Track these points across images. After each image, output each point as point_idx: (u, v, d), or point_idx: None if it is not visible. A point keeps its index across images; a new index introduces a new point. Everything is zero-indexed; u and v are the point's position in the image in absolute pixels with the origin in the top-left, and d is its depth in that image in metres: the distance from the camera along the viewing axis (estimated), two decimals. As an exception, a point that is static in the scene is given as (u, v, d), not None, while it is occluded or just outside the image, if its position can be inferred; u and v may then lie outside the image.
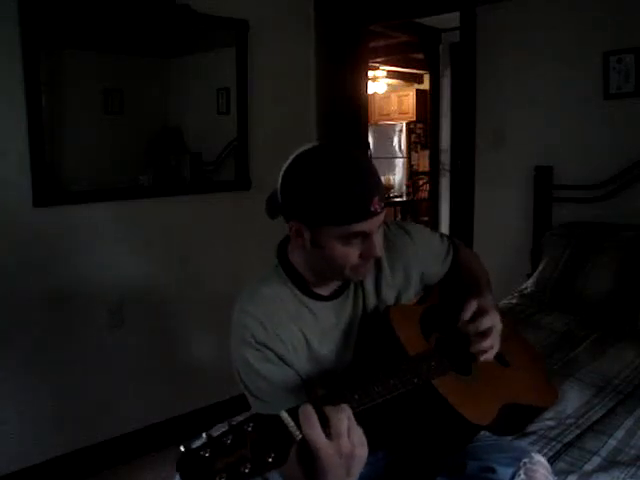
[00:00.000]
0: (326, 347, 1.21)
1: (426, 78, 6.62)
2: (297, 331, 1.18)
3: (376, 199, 1.07)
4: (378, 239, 1.12)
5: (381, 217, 1.11)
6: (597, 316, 2.27)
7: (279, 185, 1.13)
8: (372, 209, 1.06)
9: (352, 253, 1.11)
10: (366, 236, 1.10)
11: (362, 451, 0.81)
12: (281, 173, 1.13)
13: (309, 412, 0.78)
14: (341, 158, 1.09)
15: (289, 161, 1.12)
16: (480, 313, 1.16)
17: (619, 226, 2.50)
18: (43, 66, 2.16)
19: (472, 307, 1.16)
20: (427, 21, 4.65)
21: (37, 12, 2.11)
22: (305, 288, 1.20)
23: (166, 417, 2.59)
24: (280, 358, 1.15)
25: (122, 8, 2.40)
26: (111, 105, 2.64)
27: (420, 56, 5.91)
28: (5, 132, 2.14)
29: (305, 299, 1.20)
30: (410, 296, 1.33)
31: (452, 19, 3.42)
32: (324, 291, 1.22)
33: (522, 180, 2.87)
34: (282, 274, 1.21)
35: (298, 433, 0.78)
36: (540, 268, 2.60)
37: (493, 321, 1.16)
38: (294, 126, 3.04)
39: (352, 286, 1.25)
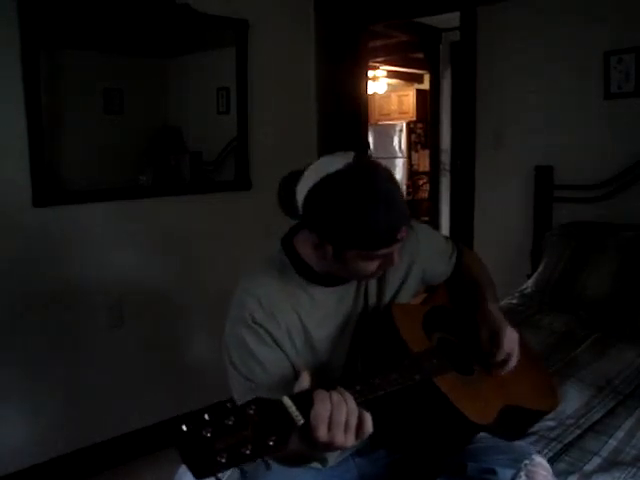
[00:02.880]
0: (322, 333, 1.22)
1: (426, 78, 6.62)
2: (294, 315, 1.19)
3: (404, 228, 1.10)
4: (398, 250, 1.15)
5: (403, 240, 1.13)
6: (597, 316, 2.26)
7: (302, 198, 1.11)
8: (399, 237, 1.10)
9: (373, 266, 1.14)
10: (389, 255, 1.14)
11: (352, 444, 0.88)
12: (306, 188, 1.10)
13: (325, 401, 0.85)
14: (371, 183, 1.08)
15: (315, 178, 1.09)
16: (503, 338, 1.23)
17: (619, 226, 2.50)
18: (43, 66, 2.16)
19: (490, 329, 1.26)
20: (427, 21, 4.65)
21: (37, 12, 2.11)
22: (307, 274, 1.21)
23: (166, 417, 2.59)
24: (274, 340, 1.15)
25: (122, 8, 2.39)
26: (111, 105, 2.64)
27: (420, 56, 5.91)
28: (5, 132, 2.14)
29: (305, 284, 1.21)
30: (410, 290, 1.35)
31: (452, 19, 3.42)
32: (327, 278, 1.23)
33: (522, 180, 2.87)
34: (284, 259, 1.21)
35: (300, 418, 0.81)
36: (540, 268, 2.60)
37: (513, 343, 1.24)
38: (294, 126, 3.04)
39: None
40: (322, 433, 0.84)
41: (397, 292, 1.31)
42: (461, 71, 3.48)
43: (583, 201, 2.65)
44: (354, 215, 1.06)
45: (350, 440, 0.87)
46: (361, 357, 1.24)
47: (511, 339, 1.24)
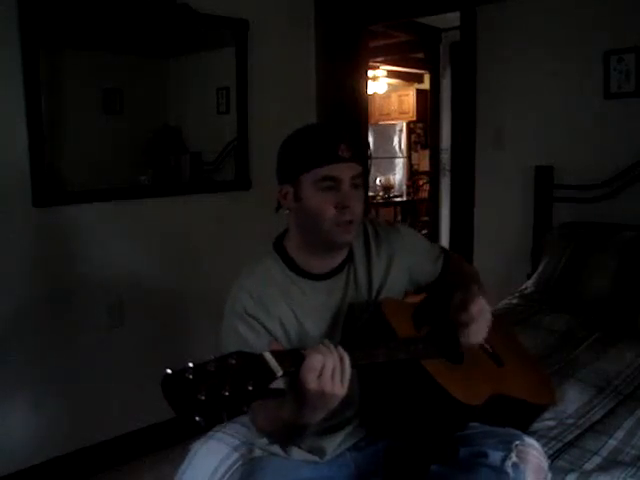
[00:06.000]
0: (314, 325, 1.27)
1: (426, 78, 6.61)
2: (287, 308, 1.25)
3: (343, 145, 1.19)
4: (352, 193, 1.21)
5: (352, 167, 1.21)
6: (597, 316, 2.26)
7: None
8: (339, 153, 1.19)
9: (327, 201, 1.20)
10: (338, 184, 1.20)
11: (340, 391, 0.96)
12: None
13: (318, 359, 0.92)
14: (314, 124, 1.30)
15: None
16: (467, 300, 1.21)
17: (619, 226, 2.50)
18: (43, 66, 2.16)
19: (459, 296, 1.23)
20: (427, 20, 4.64)
21: (37, 12, 2.11)
22: (296, 267, 1.28)
23: (166, 417, 2.59)
24: (266, 330, 1.21)
25: (122, 8, 2.40)
26: (111, 105, 2.64)
27: (420, 55, 5.90)
28: (5, 132, 2.14)
29: (294, 277, 1.28)
30: (398, 283, 1.38)
31: (452, 18, 3.42)
32: (319, 270, 1.29)
33: (522, 180, 2.87)
34: (275, 255, 1.30)
35: (279, 370, 0.87)
36: (540, 268, 2.60)
37: (482, 304, 1.22)
38: (294, 126, 3.02)
39: (346, 268, 1.32)
40: (312, 382, 0.92)
41: (384, 283, 1.34)
42: (461, 71, 3.48)
43: (583, 201, 2.65)
44: (294, 139, 1.26)
45: (338, 386, 0.95)
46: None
47: (480, 305, 1.21)
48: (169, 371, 0.80)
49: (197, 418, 0.79)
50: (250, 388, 0.82)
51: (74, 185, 2.37)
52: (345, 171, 1.20)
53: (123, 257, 2.47)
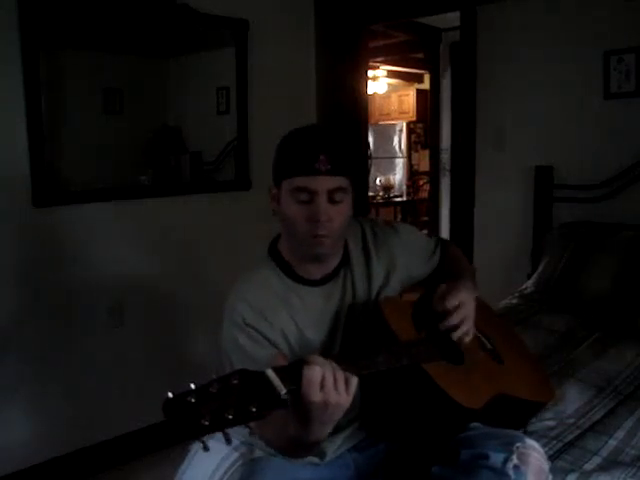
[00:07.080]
0: (315, 331, 1.26)
1: (426, 78, 6.61)
2: (286, 316, 1.24)
3: (322, 157, 1.15)
4: (328, 207, 1.17)
5: (331, 180, 1.17)
6: (598, 316, 2.26)
7: None
8: (316, 166, 1.15)
9: (300, 212, 1.18)
10: (312, 197, 1.17)
11: (346, 400, 0.94)
12: None
13: (316, 371, 0.89)
14: (307, 127, 1.27)
15: None
16: (449, 291, 1.21)
17: (620, 226, 2.50)
18: (43, 66, 2.16)
19: (442, 288, 1.23)
20: (427, 20, 4.64)
21: (36, 12, 2.11)
22: (292, 273, 1.27)
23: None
24: (267, 340, 1.20)
25: (122, 8, 2.40)
26: (111, 105, 2.64)
27: (420, 55, 5.90)
28: (5, 132, 2.14)
29: (292, 284, 1.26)
30: (397, 284, 1.37)
31: (452, 18, 3.42)
32: (314, 275, 1.27)
33: (522, 180, 2.87)
34: (271, 262, 1.28)
35: (282, 388, 0.85)
36: (540, 268, 2.60)
37: (461, 298, 1.21)
38: (294, 126, 3.03)
39: (342, 272, 1.31)
40: (315, 395, 0.90)
41: (385, 284, 1.34)
42: (461, 71, 3.48)
43: (583, 201, 2.65)
44: (284, 141, 1.24)
45: (343, 396, 0.93)
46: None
47: (464, 295, 1.21)
48: (170, 395, 0.79)
49: (201, 444, 0.78)
50: (254, 410, 0.80)
51: (74, 185, 2.38)
52: (322, 184, 1.16)
53: (123, 257, 2.47)
